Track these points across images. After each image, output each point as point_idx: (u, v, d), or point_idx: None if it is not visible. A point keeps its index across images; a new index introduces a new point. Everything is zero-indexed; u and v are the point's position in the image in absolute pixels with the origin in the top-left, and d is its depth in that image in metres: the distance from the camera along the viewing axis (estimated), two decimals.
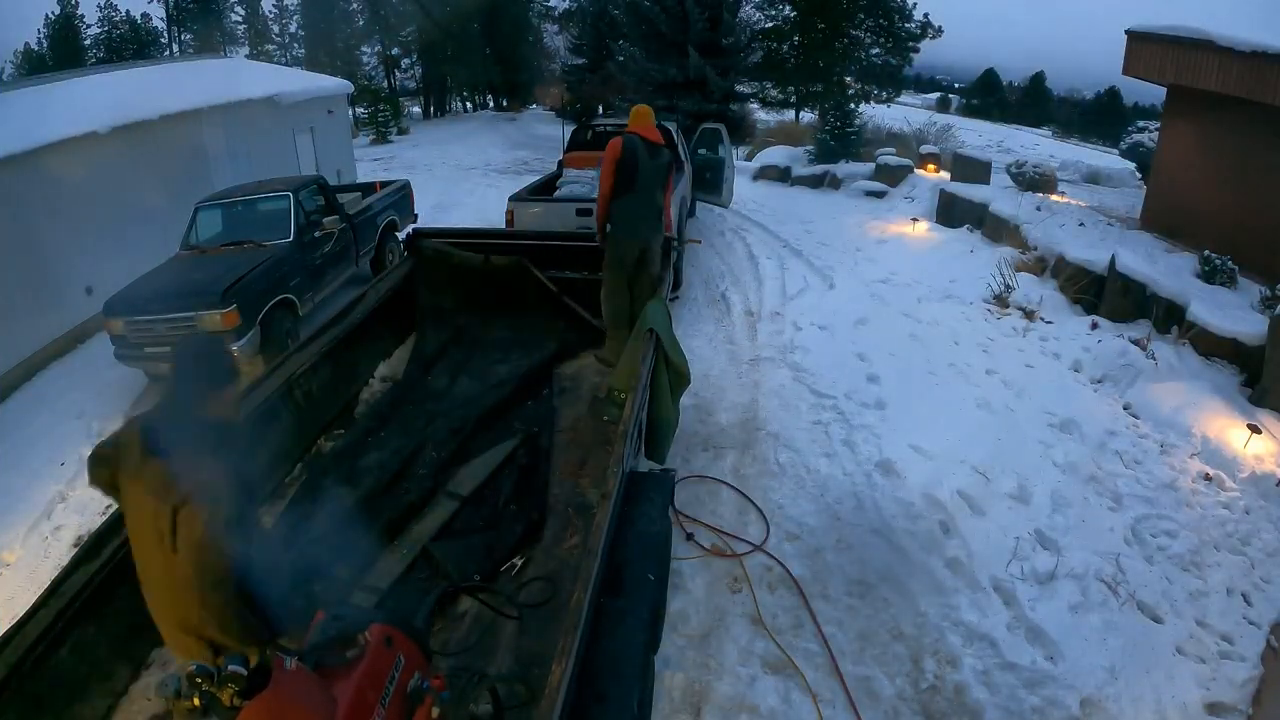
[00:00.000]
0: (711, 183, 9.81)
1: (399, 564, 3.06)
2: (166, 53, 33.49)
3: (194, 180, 8.10)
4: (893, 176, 12.01)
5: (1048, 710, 2.94)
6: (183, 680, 1.44)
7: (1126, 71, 8.97)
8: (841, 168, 12.88)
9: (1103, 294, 6.64)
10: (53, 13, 33.42)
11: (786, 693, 2.99)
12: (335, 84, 13.68)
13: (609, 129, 9.41)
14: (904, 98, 29.15)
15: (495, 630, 2.72)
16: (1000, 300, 6.92)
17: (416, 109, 33.49)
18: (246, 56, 30.86)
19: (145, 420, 1.98)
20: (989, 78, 57.56)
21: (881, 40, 22.36)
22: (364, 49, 32.41)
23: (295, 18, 34.53)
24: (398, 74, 34.31)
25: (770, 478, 4.37)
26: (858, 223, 10.19)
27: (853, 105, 15.73)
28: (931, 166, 12.41)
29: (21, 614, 2.29)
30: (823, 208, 11.34)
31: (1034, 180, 10.19)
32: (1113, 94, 47.44)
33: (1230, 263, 6.53)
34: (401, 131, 25.23)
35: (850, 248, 9.05)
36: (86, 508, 4.50)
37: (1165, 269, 6.64)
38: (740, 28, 21.31)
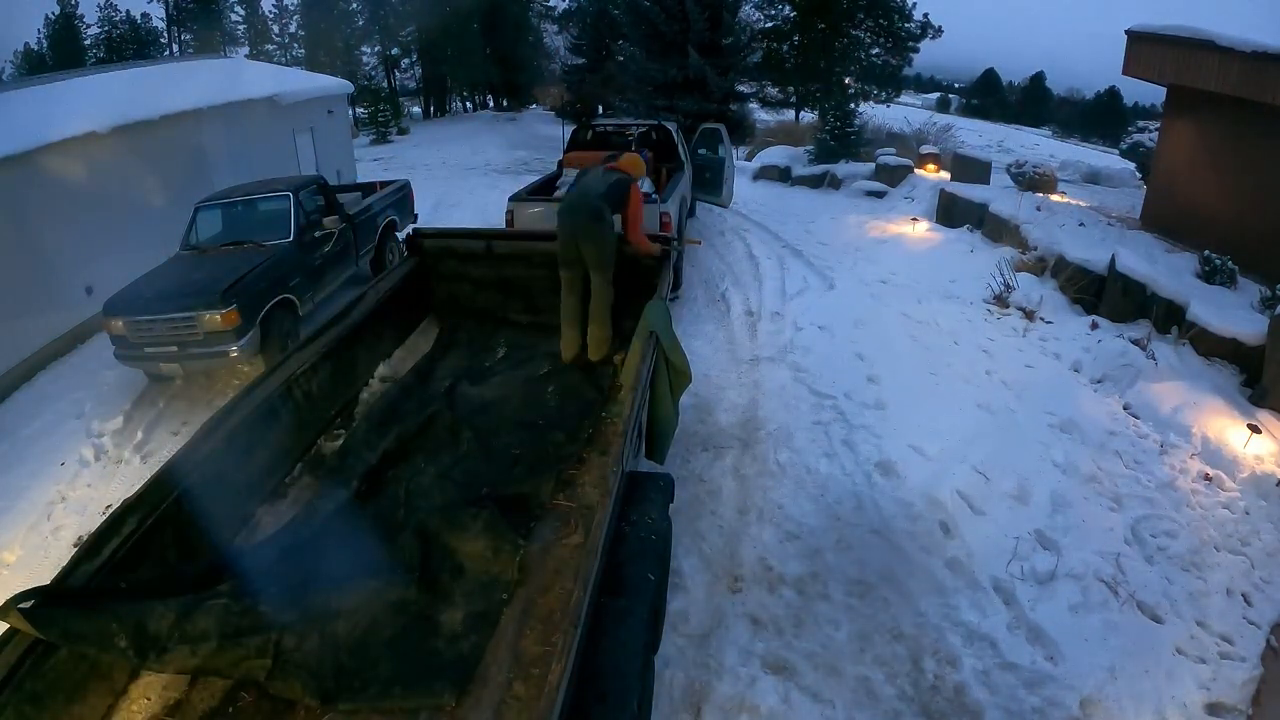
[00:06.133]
0: (711, 183, 9.81)
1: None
2: (166, 53, 33.51)
3: (194, 180, 8.09)
4: (893, 176, 12.02)
5: (1048, 710, 2.94)
6: None
7: (1126, 71, 8.99)
8: (841, 168, 12.90)
9: (1103, 294, 6.64)
10: (53, 13, 33.45)
11: (786, 693, 2.99)
12: (335, 84, 13.68)
13: (609, 129, 9.42)
14: (904, 98, 29.22)
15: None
16: (1000, 300, 6.92)
17: (416, 109, 33.56)
18: (246, 56, 30.83)
19: None
20: (989, 78, 57.71)
21: (881, 40, 22.41)
22: (364, 49, 32.36)
23: (295, 18, 34.48)
24: (398, 74, 34.32)
25: (770, 477, 4.37)
26: (858, 223, 10.19)
27: (852, 105, 15.75)
28: (931, 166, 12.42)
29: None
30: (823, 208, 11.35)
31: (1034, 180, 10.20)
32: (1113, 94, 47.54)
33: (1230, 263, 6.54)
34: (401, 132, 25.29)
35: (850, 248, 9.05)
36: (86, 508, 4.49)
37: (1165, 269, 6.64)
38: (740, 28, 21.31)
